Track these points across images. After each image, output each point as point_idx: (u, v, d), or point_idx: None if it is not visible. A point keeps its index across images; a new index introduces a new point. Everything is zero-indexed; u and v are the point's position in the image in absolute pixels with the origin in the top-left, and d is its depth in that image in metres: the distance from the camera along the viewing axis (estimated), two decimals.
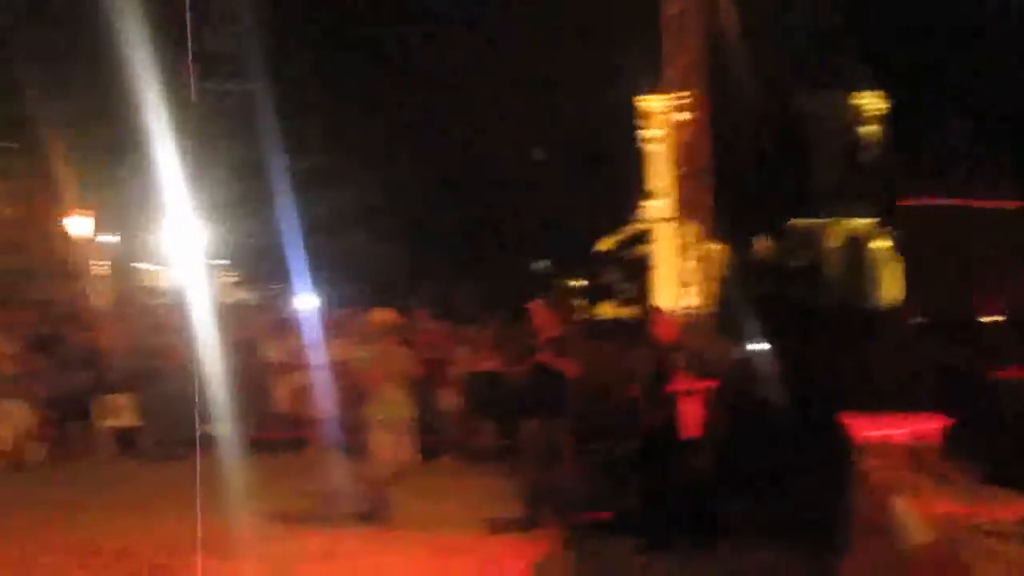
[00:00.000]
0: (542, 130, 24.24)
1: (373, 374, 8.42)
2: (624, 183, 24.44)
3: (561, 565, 7.39)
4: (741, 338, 11.73)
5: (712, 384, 8.20)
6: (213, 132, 21.23)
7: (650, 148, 23.29)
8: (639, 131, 23.60)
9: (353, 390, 11.02)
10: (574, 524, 8.13)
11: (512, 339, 11.85)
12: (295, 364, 12.04)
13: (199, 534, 7.03)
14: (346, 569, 7.10)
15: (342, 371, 11.19)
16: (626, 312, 22.80)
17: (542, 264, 28.67)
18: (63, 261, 23.18)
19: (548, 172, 25.07)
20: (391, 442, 8.28)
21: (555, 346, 8.57)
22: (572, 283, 27.57)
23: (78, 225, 22.99)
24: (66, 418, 11.75)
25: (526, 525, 8.19)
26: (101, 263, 23.45)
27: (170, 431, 10.74)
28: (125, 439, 11.78)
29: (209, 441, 11.01)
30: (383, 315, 8.65)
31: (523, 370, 8.86)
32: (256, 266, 24.95)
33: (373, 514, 8.21)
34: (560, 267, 27.98)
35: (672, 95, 12.02)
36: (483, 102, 22.86)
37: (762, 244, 25.91)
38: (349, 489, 8.66)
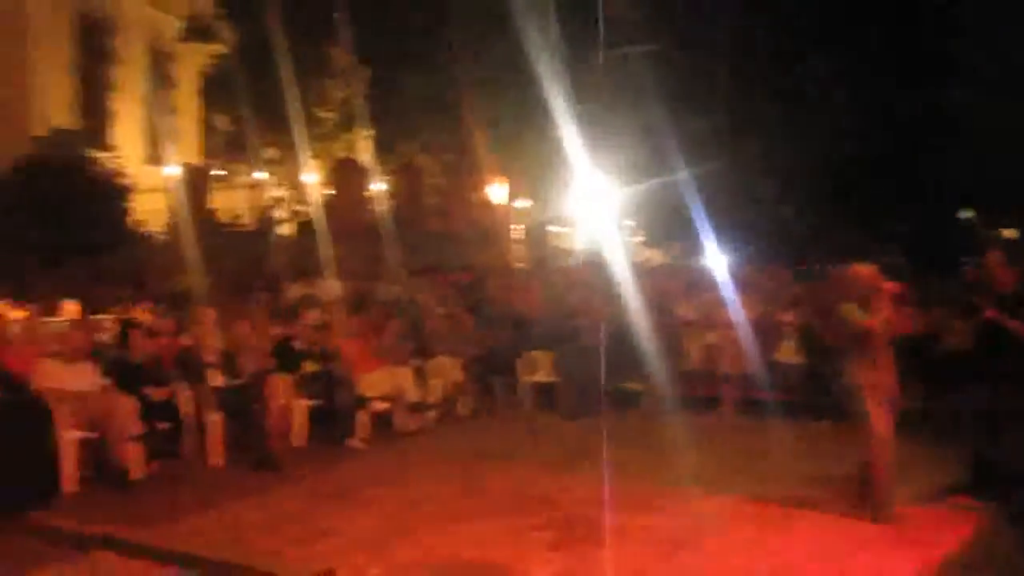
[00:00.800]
0: (967, 66, 22.14)
1: (864, 334, 7.26)
2: None
3: (999, 544, 6.72)
4: None
5: None
6: (620, 95, 21.57)
7: None
8: None
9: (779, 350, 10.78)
10: (1016, 499, 7.38)
11: (941, 296, 10.99)
12: (707, 322, 11.98)
13: (614, 488, 7.15)
14: (769, 534, 6.88)
15: (759, 329, 10.98)
16: None
17: (967, 214, 26.46)
18: (484, 226, 24.68)
19: (972, 112, 22.94)
20: (881, 412, 7.16)
21: (1010, 303, 7.75)
22: (1003, 234, 25.17)
23: (496, 192, 24.38)
24: (491, 373, 12.44)
25: (959, 497, 7.56)
26: (517, 227, 24.68)
27: (586, 387, 11.02)
28: (545, 394, 12.26)
29: (624, 398, 11.25)
30: (868, 270, 7.68)
31: (965, 330, 8.08)
32: (662, 226, 25.16)
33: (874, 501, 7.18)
34: (988, 217, 25.63)
35: None
36: (900, 41, 21.33)
37: None
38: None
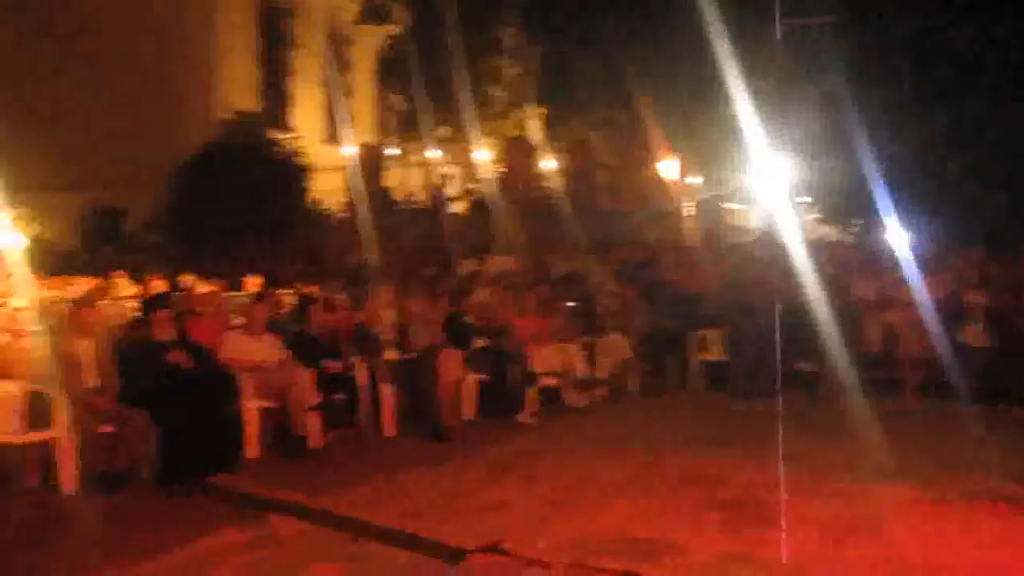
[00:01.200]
0: None
1: None
2: None
3: None
4: None
5: None
6: (796, 69, 20.94)
7: None
8: None
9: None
10: None
11: None
12: (887, 302, 11.52)
13: (786, 471, 6.96)
14: (951, 526, 6.53)
15: (944, 310, 10.47)
16: None
17: None
18: (655, 203, 24.43)
19: None
20: None
21: None
22: None
23: (667, 169, 24.07)
24: (662, 351, 12.30)
25: None
26: (689, 204, 24.32)
27: (759, 367, 10.78)
28: (716, 373, 12.06)
29: (798, 379, 10.94)
30: None
31: None
32: (840, 202, 24.32)
33: None
34: None
35: None
36: None
37: None
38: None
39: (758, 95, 13.65)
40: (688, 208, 24.05)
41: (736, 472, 7.82)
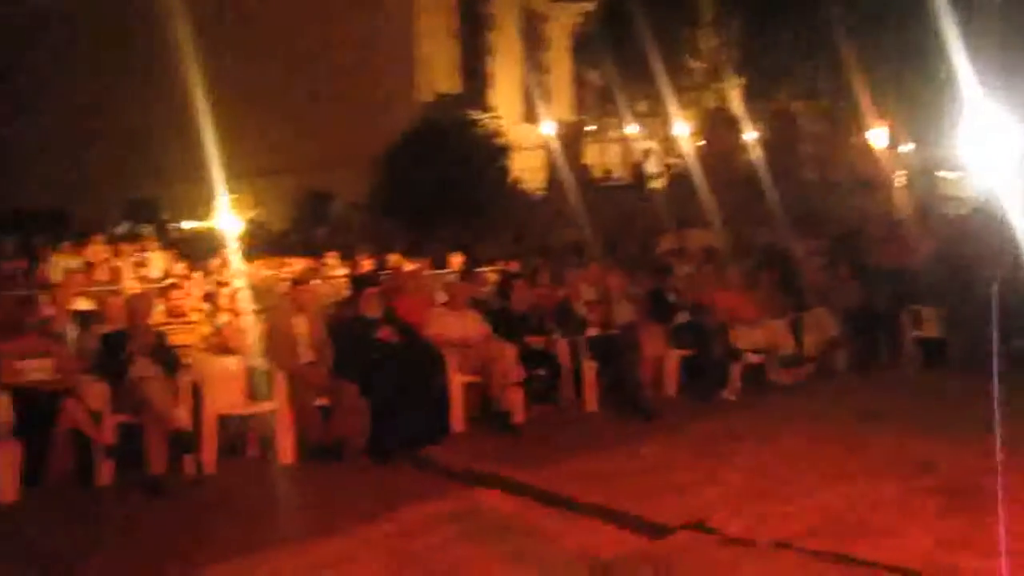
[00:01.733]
0: None
1: None
2: None
3: None
4: None
5: None
6: (1020, 26, 19.69)
7: None
8: None
9: None
10: None
11: None
12: None
13: (1007, 455, 6.54)
14: None
15: None
16: None
17: None
18: (864, 174, 23.53)
19: None
20: None
21: None
22: None
23: (877, 137, 23.13)
24: (871, 328, 11.82)
25: None
26: (900, 173, 23.32)
27: (978, 345, 10.17)
28: (931, 351, 11.51)
29: (1021, 358, 10.27)
30: None
31: None
32: None
33: None
34: None
35: None
36: None
37: None
38: None
39: (978, 53, 12.88)
40: (899, 178, 23.05)
41: (951, 455, 7.43)
